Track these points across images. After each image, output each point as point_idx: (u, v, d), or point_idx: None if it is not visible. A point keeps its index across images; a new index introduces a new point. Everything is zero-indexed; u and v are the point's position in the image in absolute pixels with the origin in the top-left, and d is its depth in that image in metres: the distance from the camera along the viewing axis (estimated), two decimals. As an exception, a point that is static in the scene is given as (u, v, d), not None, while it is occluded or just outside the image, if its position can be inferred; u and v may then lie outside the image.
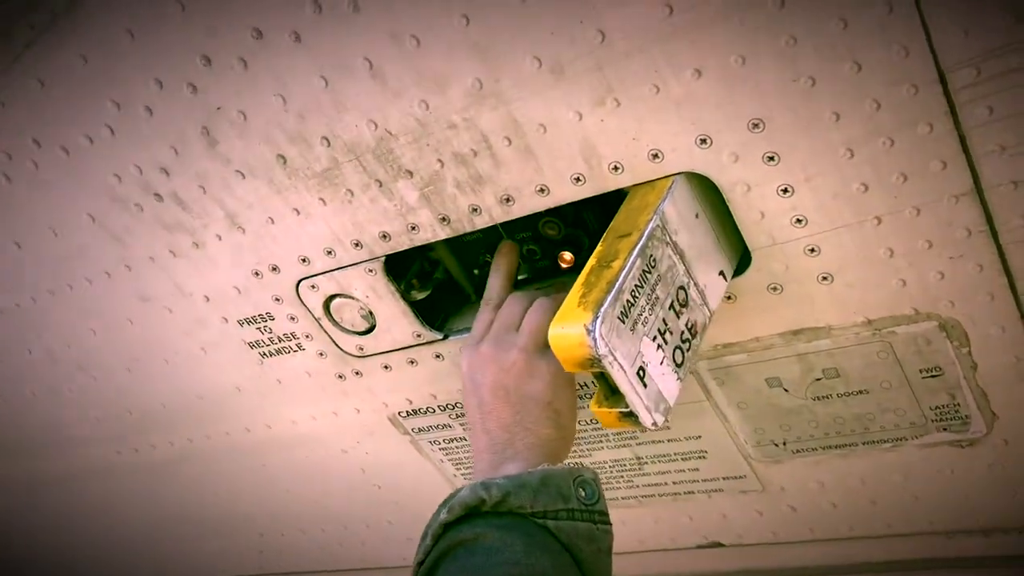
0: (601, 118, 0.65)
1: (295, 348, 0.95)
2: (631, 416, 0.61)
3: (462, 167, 0.72)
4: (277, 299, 0.90)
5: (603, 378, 0.61)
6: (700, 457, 0.92)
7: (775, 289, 0.72)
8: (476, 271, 0.88)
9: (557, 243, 0.81)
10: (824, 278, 0.70)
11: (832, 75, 0.58)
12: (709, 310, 0.69)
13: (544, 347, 0.74)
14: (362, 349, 0.92)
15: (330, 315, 0.90)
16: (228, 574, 1.44)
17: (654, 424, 0.62)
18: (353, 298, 0.87)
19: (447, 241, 0.86)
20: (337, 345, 0.93)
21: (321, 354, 0.95)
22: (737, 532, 1.01)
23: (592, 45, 0.62)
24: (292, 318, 0.91)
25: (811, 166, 0.63)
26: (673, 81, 0.62)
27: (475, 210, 0.75)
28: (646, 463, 0.95)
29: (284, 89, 0.72)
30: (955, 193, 0.62)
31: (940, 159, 0.60)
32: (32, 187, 0.89)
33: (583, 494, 0.70)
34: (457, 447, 1.01)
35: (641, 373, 0.61)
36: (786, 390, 0.81)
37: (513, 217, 0.75)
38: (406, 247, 0.80)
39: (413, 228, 0.78)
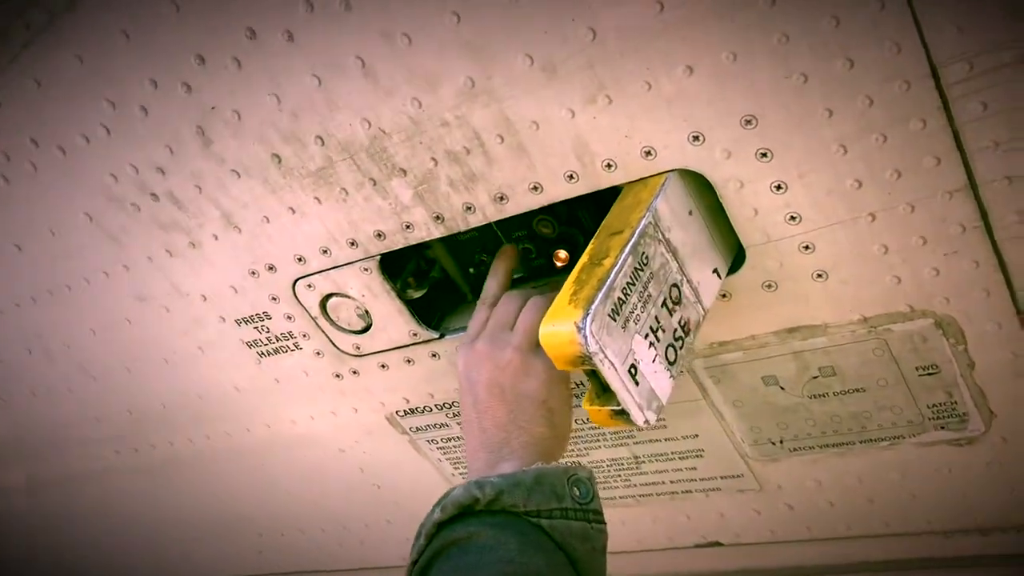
0: (593, 115, 0.65)
1: (292, 347, 0.95)
2: (623, 414, 0.61)
3: (455, 165, 0.72)
4: (274, 298, 0.90)
5: (595, 376, 0.61)
6: (697, 456, 0.92)
7: (770, 287, 0.72)
8: (472, 270, 0.88)
9: (552, 241, 0.81)
10: (819, 275, 0.70)
11: (824, 71, 0.58)
12: (703, 308, 0.68)
13: (539, 345, 0.73)
14: (359, 348, 0.92)
15: (327, 314, 0.90)
16: (228, 574, 1.44)
17: (646, 422, 0.62)
18: (349, 297, 0.87)
19: (443, 240, 0.86)
20: (334, 344, 0.93)
21: (318, 353, 0.95)
22: (735, 531, 1.01)
23: (584, 43, 0.62)
24: (289, 317, 0.92)
25: (804, 163, 0.63)
26: (665, 78, 0.62)
27: (469, 208, 0.75)
28: (643, 462, 0.95)
29: (278, 88, 0.72)
30: (949, 189, 0.62)
31: (933, 155, 0.60)
32: (30, 187, 0.89)
33: (577, 493, 0.70)
34: (455, 446, 1.01)
35: (633, 371, 0.61)
36: (782, 388, 0.81)
37: (507, 215, 0.75)
38: (401, 246, 0.80)
39: (408, 227, 0.78)
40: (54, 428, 1.23)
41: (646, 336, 0.62)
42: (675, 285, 0.66)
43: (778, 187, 0.65)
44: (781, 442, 0.86)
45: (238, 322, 0.94)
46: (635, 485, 0.98)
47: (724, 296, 0.74)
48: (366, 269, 0.83)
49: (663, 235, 0.65)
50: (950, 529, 0.91)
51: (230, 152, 0.78)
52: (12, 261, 0.99)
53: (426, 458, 1.05)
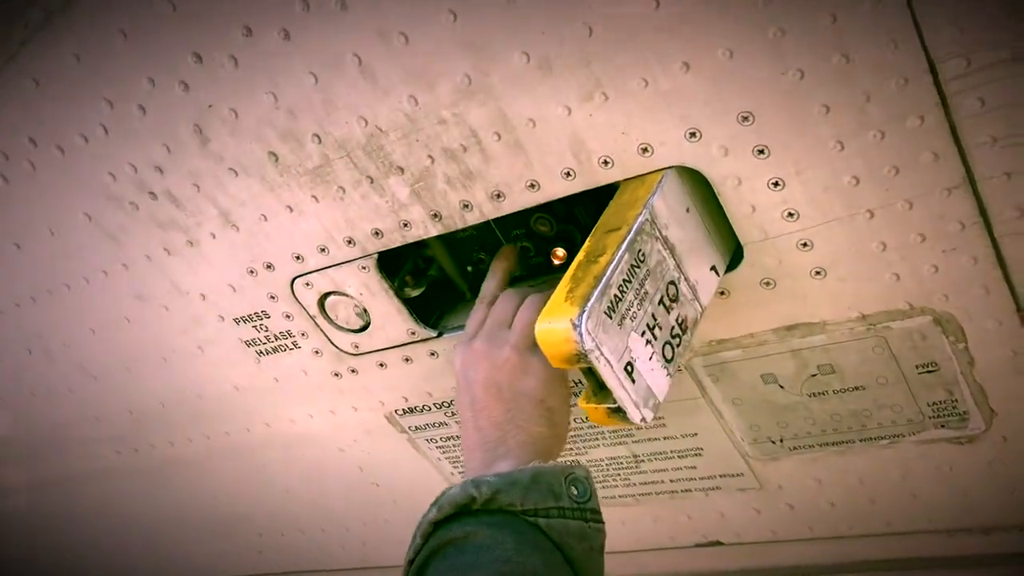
0: (590, 112, 0.65)
1: (291, 346, 0.95)
2: (619, 412, 0.61)
3: (452, 163, 0.72)
4: (272, 297, 0.90)
5: (591, 374, 0.61)
6: (696, 455, 0.91)
7: (768, 284, 0.72)
8: (470, 268, 0.87)
9: (550, 240, 0.81)
10: (817, 273, 0.70)
11: (821, 68, 0.58)
12: (700, 305, 0.68)
13: (536, 344, 0.73)
14: (357, 347, 0.92)
15: (325, 313, 0.89)
16: (228, 574, 1.44)
17: (643, 420, 0.62)
18: (347, 296, 0.87)
19: (441, 238, 0.86)
20: (332, 343, 0.93)
21: (317, 352, 0.95)
22: (736, 531, 1.00)
23: (580, 39, 0.61)
24: (287, 316, 0.91)
25: (801, 159, 0.63)
26: (661, 75, 0.62)
27: (466, 206, 0.75)
28: (643, 461, 0.94)
29: (275, 87, 0.72)
30: (947, 185, 0.61)
31: (931, 151, 0.60)
32: (30, 187, 0.89)
33: (575, 492, 0.69)
34: (454, 445, 1.01)
35: (629, 368, 0.61)
36: (781, 386, 0.80)
37: (504, 213, 0.74)
38: (398, 244, 0.80)
39: (405, 225, 0.78)
40: (54, 428, 1.23)
41: (643, 334, 0.62)
42: (672, 282, 0.65)
43: (775, 184, 0.65)
44: (781, 441, 0.86)
45: (237, 321, 0.94)
46: (634, 484, 0.98)
47: (722, 294, 0.74)
48: (364, 267, 0.83)
49: (660, 232, 0.65)
50: (952, 528, 0.90)
51: (228, 150, 0.78)
52: (12, 261, 0.99)
53: (425, 457, 1.05)
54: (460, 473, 1.05)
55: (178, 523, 1.37)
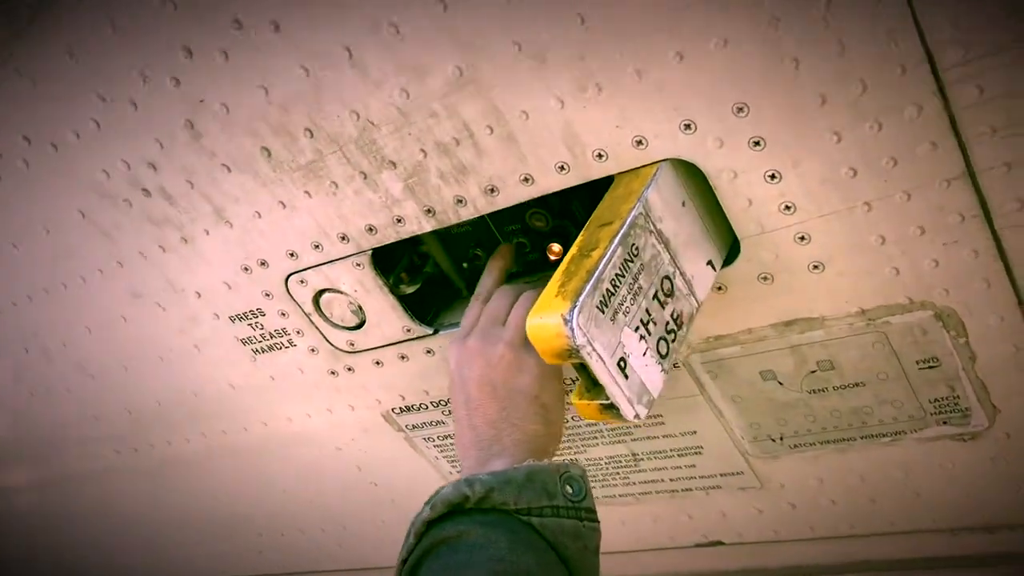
0: (583, 105, 0.64)
1: (287, 344, 0.95)
2: (612, 408, 0.60)
3: (445, 157, 0.71)
4: (267, 294, 0.89)
5: (584, 370, 0.60)
6: (696, 453, 0.90)
7: (766, 279, 0.71)
8: (466, 265, 0.87)
9: (546, 235, 0.80)
10: (815, 267, 0.68)
11: (816, 57, 0.57)
12: (696, 300, 0.67)
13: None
14: (353, 345, 0.91)
15: (320, 310, 0.89)
16: (228, 574, 1.44)
17: (636, 416, 0.61)
18: (342, 293, 0.86)
19: (436, 235, 0.85)
20: (328, 341, 0.92)
21: (313, 350, 0.94)
22: (737, 530, 0.99)
23: (572, 30, 0.61)
24: (283, 314, 0.91)
25: (798, 151, 0.62)
26: (655, 66, 0.61)
27: (460, 201, 0.74)
28: (642, 459, 0.93)
29: (266, 80, 0.71)
30: (946, 177, 0.60)
31: (930, 141, 0.58)
32: (24, 185, 0.89)
33: (570, 491, 0.68)
34: (451, 444, 1.00)
35: (622, 364, 0.60)
36: (781, 383, 0.79)
37: (498, 208, 0.74)
38: (392, 240, 0.79)
39: (399, 220, 0.77)
40: (53, 428, 1.23)
41: (636, 329, 0.61)
42: (667, 277, 0.64)
43: (772, 176, 0.64)
44: (781, 438, 0.85)
45: (232, 319, 0.94)
46: (634, 483, 0.97)
47: (720, 289, 0.73)
48: (358, 264, 0.82)
49: (654, 226, 0.64)
50: (955, 527, 0.89)
51: (220, 146, 0.77)
52: (8, 260, 0.99)
53: (423, 456, 1.04)
54: (458, 472, 1.04)
55: (178, 523, 1.37)
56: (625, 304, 0.60)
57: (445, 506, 0.66)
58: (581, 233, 0.64)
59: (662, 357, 0.63)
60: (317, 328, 0.91)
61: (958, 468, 0.82)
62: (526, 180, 0.70)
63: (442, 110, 0.68)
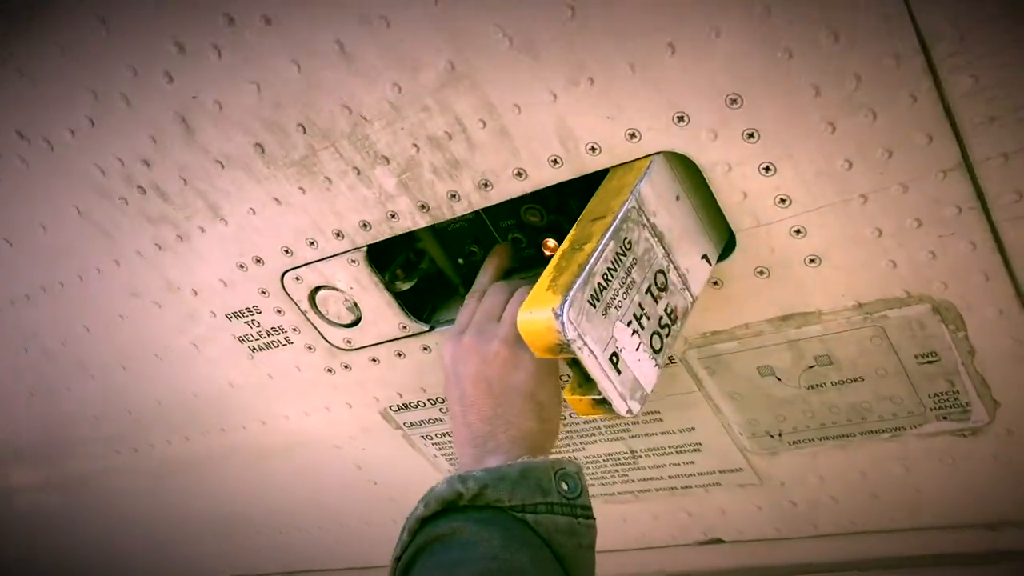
0: (576, 98, 0.64)
1: (283, 342, 0.94)
2: (604, 403, 0.60)
3: (438, 151, 0.71)
4: (263, 292, 0.89)
5: (576, 364, 0.59)
6: (695, 450, 0.89)
7: (762, 273, 0.70)
8: (461, 261, 0.86)
9: (541, 230, 0.79)
10: (811, 260, 0.68)
11: (810, 47, 0.56)
12: (691, 294, 0.66)
13: (525, 336, 0.72)
14: (349, 342, 0.91)
15: (316, 307, 0.88)
16: (228, 574, 1.44)
17: (629, 411, 0.60)
18: (338, 290, 0.86)
19: (432, 231, 0.85)
20: (324, 338, 0.92)
21: (310, 348, 0.94)
22: (737, 528, 0.98)
23: (563, 21, 0.60)
24: (279, 311, 0.90)
25: (792, 143, 0.61)
26: (647, 58, 0.60)
27: (453, 196, 0.74)
28: (640, 456, 0.93)
29: (258, 76, 0.71)
30: (943, 168, 0.59)
31: (925, 132, 0.58)
32: (21, 183, 0.89)
33: (565, 488, 0.68)
34: (449, 442, 1.00)
35: (614, 359, 0.59)
36: (779, 379, 0.78)
37: (492, 203, 0.73)
38: (387, 236, 0.79)
39: (393, 216, 0.77)
40: (53, 428, 1.23)
41: (629, 323, 0.60)
42: (661, 271, 0.64)
43: (767, 169, 0.63)
44: (780, 435, 0.84)
45: (229, 317, 0.93)
46: (633, 480, 0.96)
47: (716, 284, 0.72)
48: (353, 261, 0.82)
49: (648, 219, 0.63)
50: (957, 524, 0.88)
51: (213, 142, 0.77)
52: (6, 258, 0.99)
53: (421, 454, 1.04)
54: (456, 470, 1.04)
55: (177, 522, 1.37)
56: (617, 298, 0.60)
57: (439, 503, 0.66)
58: (574, 227, 0.63)
59: (656, 352, 0.63)
60: (313, 325, 0.90)
61: (959, 464, 0.81)
62: (519, 174, 0.70)
63: (434, 104, 0.68)
